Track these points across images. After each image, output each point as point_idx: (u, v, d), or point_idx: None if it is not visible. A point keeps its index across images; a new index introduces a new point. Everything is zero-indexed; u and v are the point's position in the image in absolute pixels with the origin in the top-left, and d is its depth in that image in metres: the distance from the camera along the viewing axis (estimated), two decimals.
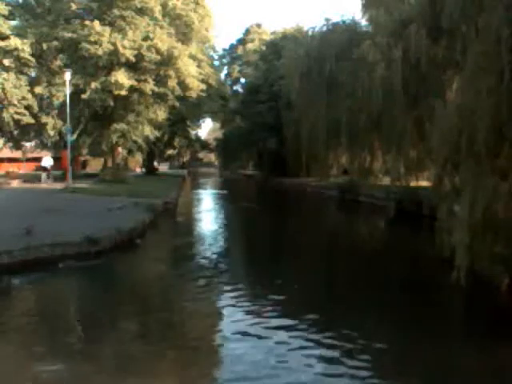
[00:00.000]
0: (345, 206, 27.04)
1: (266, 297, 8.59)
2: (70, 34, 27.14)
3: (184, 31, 32.05)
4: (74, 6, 27.54)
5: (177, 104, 32.43)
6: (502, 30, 7.65)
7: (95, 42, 26.62)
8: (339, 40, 22.97)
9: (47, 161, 30.48)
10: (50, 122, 28.99)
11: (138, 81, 28.19)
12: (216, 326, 7.53)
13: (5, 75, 26.37)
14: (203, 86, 32.45)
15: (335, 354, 6.15)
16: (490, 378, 5.69)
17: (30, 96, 27.22)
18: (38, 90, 27.60)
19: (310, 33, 29.52)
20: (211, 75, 37.86)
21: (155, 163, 53.08)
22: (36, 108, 28.05)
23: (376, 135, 20.64)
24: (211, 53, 46.79)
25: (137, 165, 56.36)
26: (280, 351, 6.20)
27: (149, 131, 32.81)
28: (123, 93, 27.42)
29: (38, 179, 29.84)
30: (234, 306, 8.15)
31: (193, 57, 32.07)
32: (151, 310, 8.27)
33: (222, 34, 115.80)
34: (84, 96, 27.26)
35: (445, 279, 8.20)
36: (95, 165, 47.77)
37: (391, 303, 8.51)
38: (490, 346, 6.46)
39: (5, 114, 26.78)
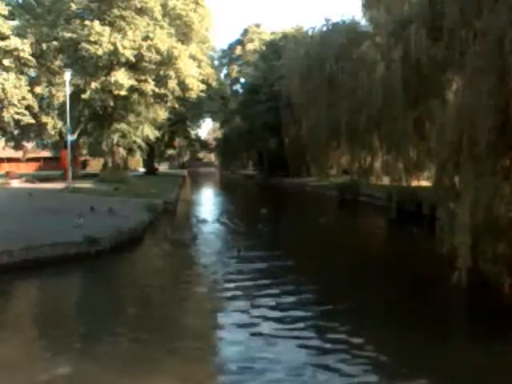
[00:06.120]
0: (344, 205, 27.01)
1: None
2: (69, 34, 27.12)
3: (184, 31, 32.05)
4: (73, 6, 27.53)
5: (177, 105, 32.44)
6: (506, 30, 7.61)
7: (95, 42, 26.60)
8: (339, 40, 22.87)
9: None
10: (50, 122, 28.99)
11: (138, 81, 28.18)
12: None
13: (5, 75, 26.35)
14: (203, 87, 32.44)
15: None
16: (491, 378, 5.69)
17: (30, 96, 27.20)
18: (38, 89, 27.60)
19: (309, 33, 29.44)
20: (211, 75, 37.81)
21: (155, 163, 53.04)
22: (36, 108, 28.03)
23: (376, 135, 20.58)
24: (211, 53, 46.79)
25: (137, 165, 56.39)
26: None
27: (149, 131, 32.82)
28: (123, 93, 27.42)
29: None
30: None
31: (193, 57, 32.03)
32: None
33: (222, 33, 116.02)
34: (84, 96, 27.26)
35: (446, 279, 8.18)
36: (95, 165, 47.77)
37: (393, 304, 8.48)
38: (492, 346, 6.44)
39: (5, 114, 26.76)
